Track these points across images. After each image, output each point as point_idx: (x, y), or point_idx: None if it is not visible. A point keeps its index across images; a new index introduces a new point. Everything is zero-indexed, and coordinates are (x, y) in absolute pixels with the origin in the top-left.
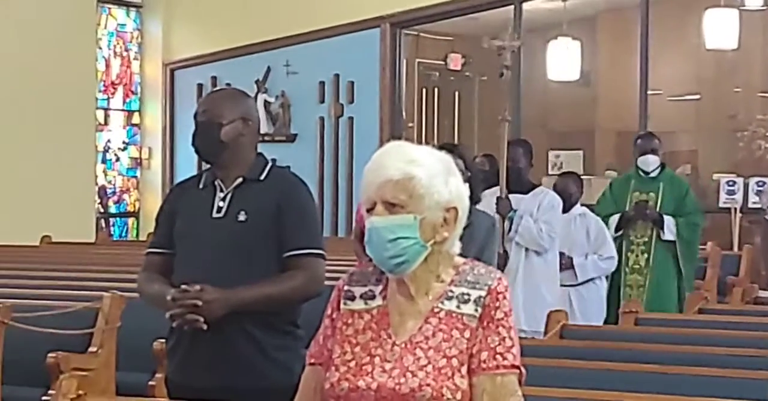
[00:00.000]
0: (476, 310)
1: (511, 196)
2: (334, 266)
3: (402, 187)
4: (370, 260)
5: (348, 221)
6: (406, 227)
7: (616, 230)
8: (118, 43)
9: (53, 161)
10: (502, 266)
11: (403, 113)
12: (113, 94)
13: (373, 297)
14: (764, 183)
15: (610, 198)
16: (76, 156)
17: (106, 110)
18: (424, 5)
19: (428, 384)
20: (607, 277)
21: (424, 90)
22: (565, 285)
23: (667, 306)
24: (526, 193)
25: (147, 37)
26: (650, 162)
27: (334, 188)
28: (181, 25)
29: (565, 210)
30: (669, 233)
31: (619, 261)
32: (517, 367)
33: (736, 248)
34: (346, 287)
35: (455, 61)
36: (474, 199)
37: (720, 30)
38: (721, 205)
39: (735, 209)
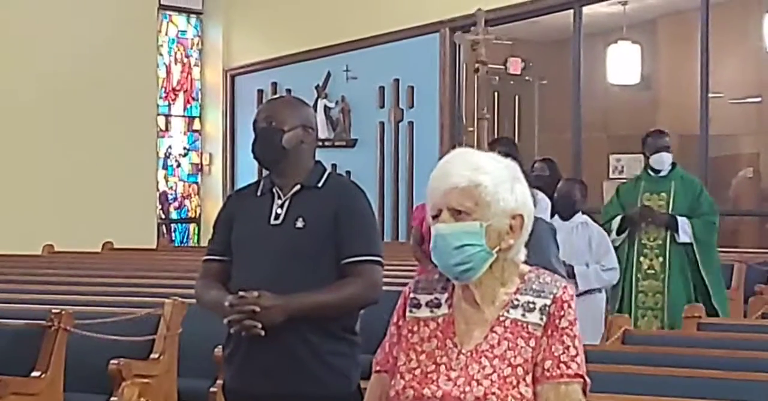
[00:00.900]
0: (541, 319)
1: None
2: (396, 271)
3: (468, 194)
4: (435, 266)
5: (408, 225)
6: (472, 234)
7: (620, 232)
8: (178, 50)
9: (115, 168)
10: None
11: (464, 118)
12: (174, 100)
13: (439, 306)
14: None
15: (617, 203)
16: (137, 162)
17: (167, 116)
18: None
19: (493, 393)
20: (606, 290)
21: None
22: None
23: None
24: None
25: (207, 43)
26: (664, 160)
27: (394, 192)
28: (240, 31)
29: (568, 217)
30: (684, 234)
31: (630, 266)
32: (581, 376)
33: None
34: (411, 295)
35: (515, 66)
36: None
37: None
38: None
39: None
